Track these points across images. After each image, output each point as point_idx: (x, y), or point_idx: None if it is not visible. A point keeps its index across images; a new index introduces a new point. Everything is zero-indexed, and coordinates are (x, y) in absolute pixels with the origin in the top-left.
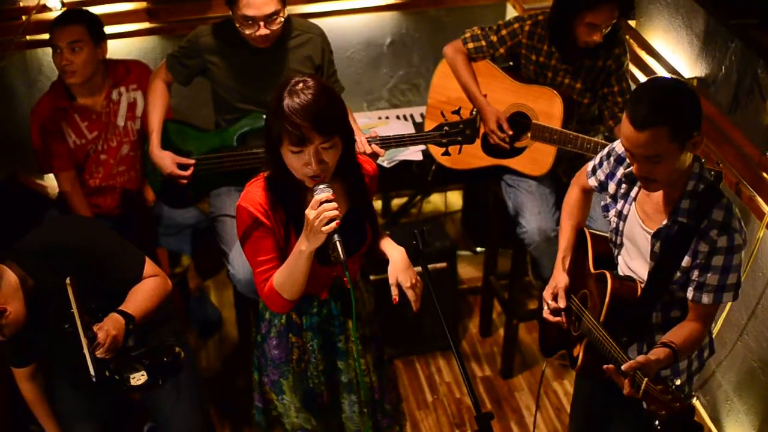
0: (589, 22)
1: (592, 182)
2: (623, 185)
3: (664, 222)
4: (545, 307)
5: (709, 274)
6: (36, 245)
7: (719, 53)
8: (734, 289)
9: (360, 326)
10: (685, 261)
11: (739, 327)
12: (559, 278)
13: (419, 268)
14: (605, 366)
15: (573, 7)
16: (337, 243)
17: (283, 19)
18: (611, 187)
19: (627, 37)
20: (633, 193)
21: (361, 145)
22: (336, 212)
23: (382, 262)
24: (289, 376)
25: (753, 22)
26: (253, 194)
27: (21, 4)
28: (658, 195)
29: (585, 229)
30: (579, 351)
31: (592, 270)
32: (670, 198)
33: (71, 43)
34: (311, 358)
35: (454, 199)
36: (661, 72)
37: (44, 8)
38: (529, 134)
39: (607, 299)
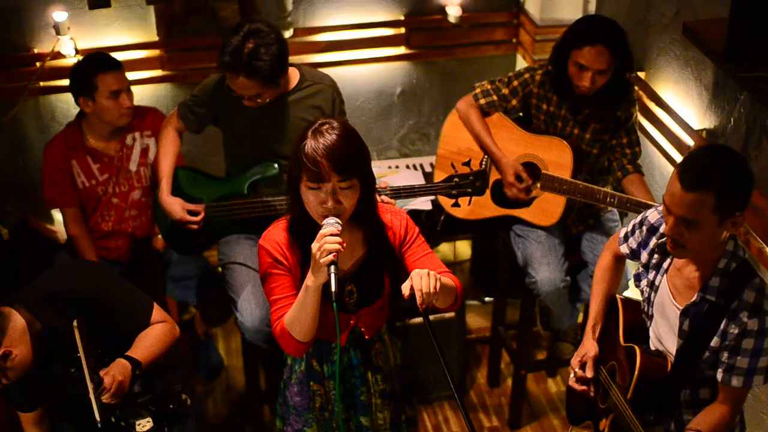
0: (576, 61)
1: (624, 249)
2: (656, 255)
3: (693, 299)
4: (572, 375)
5: (738, 357)
6: (45, 290)
7: (728, 105)
8: (765, 372)
9: (381, 380)
10: (714, 341)
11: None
12: (589, 347)
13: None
14: None
15: (565, 45)
16: (331, 275)
17: (269, 96)
18: (644, 256)
19: (636, 88)
20: (665, 265)
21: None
22: (337, 246)
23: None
24: (313, 424)
25: (761, 75)
26: (274, 234)
27: (35, 51)
28: (689, 270)
29: (617, 296)
30: (605, 426)
31: (622, 341)
32: (701, 274)
33: (129, 86)
34: (335, 408)
35: (463, 248)
36: (669, 123)
37: (58, 55)
38: (539, 185)
39: (635, 376)
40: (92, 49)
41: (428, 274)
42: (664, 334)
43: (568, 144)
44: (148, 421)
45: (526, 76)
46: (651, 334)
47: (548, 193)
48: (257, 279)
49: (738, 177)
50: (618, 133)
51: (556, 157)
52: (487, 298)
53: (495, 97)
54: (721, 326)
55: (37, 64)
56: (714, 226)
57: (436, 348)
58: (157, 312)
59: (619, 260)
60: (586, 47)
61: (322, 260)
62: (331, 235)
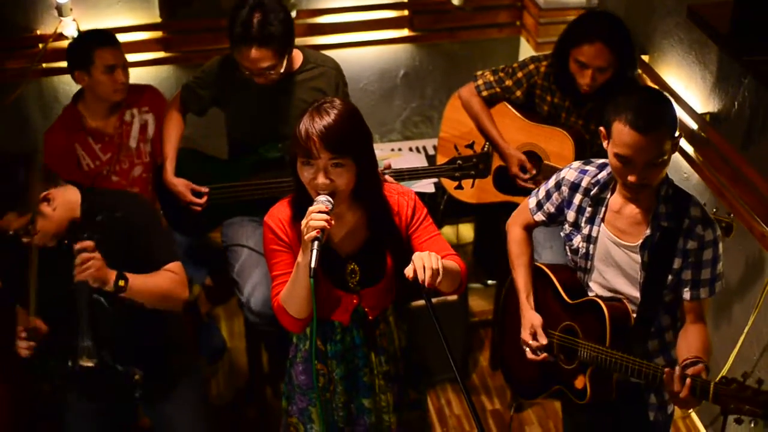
0: (577, 59)
1: (540, 216)
2: (587, 209)
3: (647, 232)
4: (527, 350)
5: (702, 270)
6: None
7: (732, 89)
8: (722, 277)
9: (385, 362)
10: (676, 262)
11: (751, 362)
12: (532, 317)
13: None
14: (667, 369)
15: (565, 43)
16: (313, 252)
17: (281, 69)
18: (570, 215)
19: (640, 71)
20: (600, 215)
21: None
22: (322, 223)
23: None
24: (317, 404)
25: (766, 58)
26: (278, 210)
27: (38, 32)
28: (630, 209)
29: (540, 265)
30: (584, 381)
31: (569, 301)
32: (645, 207)
33: (125, 63)
34: (336, 388)
35: (466, 231)
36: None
37: (61, 36)
38: (540, 178)
39: (607, 323)
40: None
41: (429, 255)
42: (613, 279)
43: (570, 135)
44: (93, 362)
45: (531, 67)
46: (592, 286)
47: None
48: (260, 261)
49: (670, 105)
50: None
51: (558, 147)
52: (489, 281)
53: (498, 89)
54: (679, 245)
55: (40, 45)
56: (671, 153)
57: (438, 330)
58: (177, 265)
59: (529, 231)
60: (585, 45)
61: (306, 237)
62: (319, 212)
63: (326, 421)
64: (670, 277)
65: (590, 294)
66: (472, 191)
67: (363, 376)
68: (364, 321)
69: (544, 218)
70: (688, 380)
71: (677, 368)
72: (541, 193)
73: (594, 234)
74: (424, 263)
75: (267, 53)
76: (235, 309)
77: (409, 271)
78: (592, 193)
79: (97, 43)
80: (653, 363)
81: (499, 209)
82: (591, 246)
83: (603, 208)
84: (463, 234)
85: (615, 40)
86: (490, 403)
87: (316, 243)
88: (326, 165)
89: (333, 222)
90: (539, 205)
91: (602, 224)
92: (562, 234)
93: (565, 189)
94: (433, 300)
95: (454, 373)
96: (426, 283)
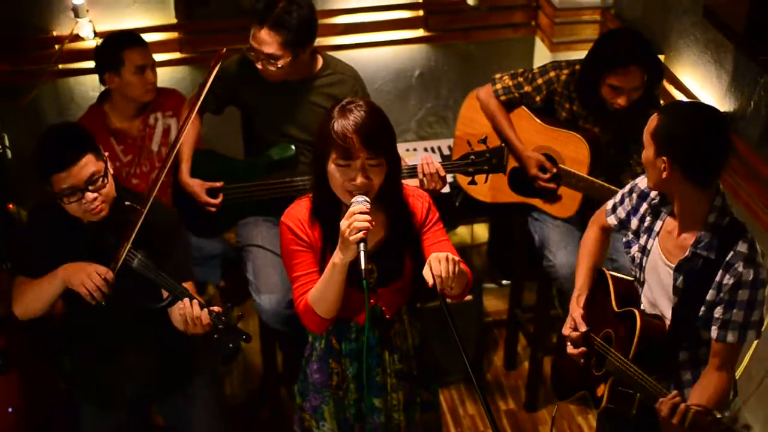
0: (611, 83)
1: (612, 220)
2: (647, 218)
3: (686, 254)
4: (569, 345)
5: (734, 311)
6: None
7: (748, 88)
8: (758, 327)
9: (398, 360)
10: (710, 294)
11: (766, 362)
12: (573, 311)
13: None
14: (663, 398)
15: (595, 69)
16: (361, 253)
17: (284, 63)
18: (634, 222)
19: None
20: (657, 228)
21: (427, 166)
22: (366, 224)
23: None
24: (330, 402)
25: None
26: (296, 211)
27: (54, 34)
28: (680, 231)
29: (604, 270)
30: (603, 390)
31: (616, 309)
32: (692, 231)
33: (153, 63)
34: (349, 386)
35: (481, 231)
36: None
37: (77, 37)
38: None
39: (636, 336)
40: (111, 32)
41: (447, 258)
42: (658, 298)
43: (585, 140)
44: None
45: (552, 74)
46: (643, 300)
47: (564, 187)
48: (275, 261)
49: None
50: (639, 139)
51: (573, 152)
52: (504, 281)
53: (516, 95)
54: (717, 278)
55: (56, 46)
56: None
57: (452, 330)
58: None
59: (605, 233)
60: (619, 71)
61: (351, 238)
62: (361, 213)
63: (338, 418)
64: (702, 308)
65: (641, 307)
66: (487, 191)
67: (375, 375)
68: (381, 320)
69: (616, 222)
70: (682, 406)
71: (683, 404)
72: (618, 196)
73: (648, 246)
74: (441, 273)
75: (274, 38)
76: (250, 310)
77: (428, 277)
78: (653, 202)
79: (126, 44)
80: (660, 385)
81: (513, 210)
82: (644, 258)
83: (660, 223)
84: (477, 234)
85: (645, 59)
86: (504, 403)
87: (362, 245)
88: (363, 164)
89: (374, 223)
90: (614, 208)
91: (656, 238)
92: (624, 240)
93: (635, 196)
94: (447, 300)
95: (468, 373)
96: (440, 290)
